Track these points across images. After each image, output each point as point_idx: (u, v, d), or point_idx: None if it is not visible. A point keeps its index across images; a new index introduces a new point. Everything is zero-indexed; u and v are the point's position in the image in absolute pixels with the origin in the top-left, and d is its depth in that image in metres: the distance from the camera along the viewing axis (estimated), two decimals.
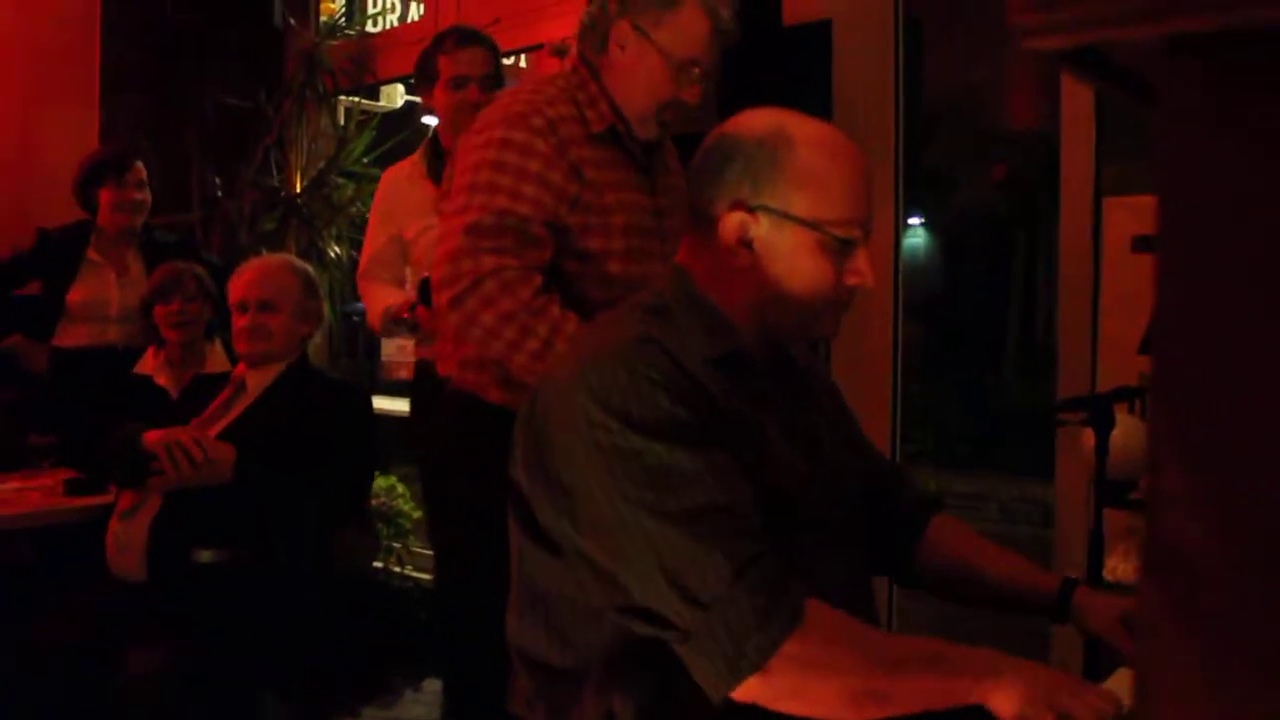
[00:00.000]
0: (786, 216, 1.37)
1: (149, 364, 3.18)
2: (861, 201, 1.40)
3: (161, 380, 3.12)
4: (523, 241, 1.98)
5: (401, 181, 3.21)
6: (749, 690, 1.22)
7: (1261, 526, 0.44)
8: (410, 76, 3.26)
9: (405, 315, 2.92)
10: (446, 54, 3.04)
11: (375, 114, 4.85)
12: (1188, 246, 0.49)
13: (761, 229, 1.38)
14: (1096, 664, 2.24)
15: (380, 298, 3.09)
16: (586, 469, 1.28)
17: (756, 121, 1.42)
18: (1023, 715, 1.19)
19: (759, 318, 1.43)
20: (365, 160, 4.60)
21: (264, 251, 4.24)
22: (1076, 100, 2.92)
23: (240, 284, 2.79)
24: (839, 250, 1.39)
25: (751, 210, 1.38)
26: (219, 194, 4.51)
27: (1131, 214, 2.81)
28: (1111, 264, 2.84)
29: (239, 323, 2.77)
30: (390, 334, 3.23)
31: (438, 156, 3.11)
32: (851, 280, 1.41)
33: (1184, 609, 0.45)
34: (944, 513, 1.68)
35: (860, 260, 1.40)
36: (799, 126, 1.40)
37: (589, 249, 2.05)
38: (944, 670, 1.25)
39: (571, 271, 2.05)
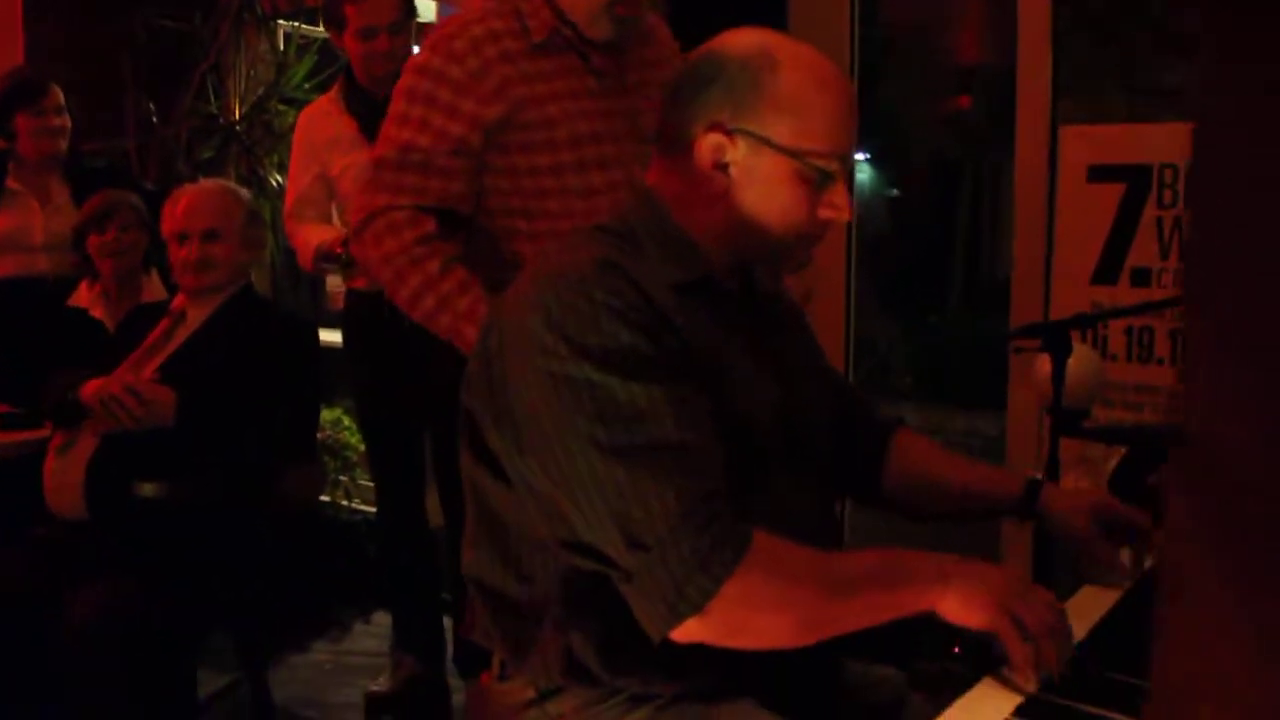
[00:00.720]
0: (766, 142, 1.33)
1: (83, 297, 3.08)
2: (845, 133, 1.36)
3: (97, 313, 3.03)
4: (426, 175, 1.99)
5: (319, 118, 3.14)
6: (689, 631, 1.20)
7: None
8: None
9: (338, 250, 2.90)
10: (352, 2, 2.96)
11: (316, 39, 4.71)
12: (1227, 139, 0.45)
13: (739, 153, 1.33)
14: (1049, 569, 2.27)
15: (310, 235, 3.05)
16: (537, 399, 1.24)
17: (742, 41, 1.36)
18: (976, 621, 1.19)
19: (729, 244, 1.39)
20: (307, 86, 4.47)
21: (201, 180, 4.12)
22: (1032, 28, 2.89)
23: (179, 212, 2.68)
24: (817, 182, 1.34)
25: (730, 133, 1.33)
26: (154, 121, 4.37)
27: (1088, 143, 2.80)
28: (1066, 194, 2.83)
29: (180, 254, 2.66)
30: (322, 271, 3.17)
31: (355, 92, 3.05)
32: (826, 213, 1.37)
33: (1222, 516, 0.42)
34: (905, 430, 1.68)
35: (837, 194, 1.36)
36: (786, 49, 1.35)
37: (538, 164, 2.02)
38: (891, 583, 1.24)
39: (528, 188, 2.03)
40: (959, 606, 1.20)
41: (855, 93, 1.41)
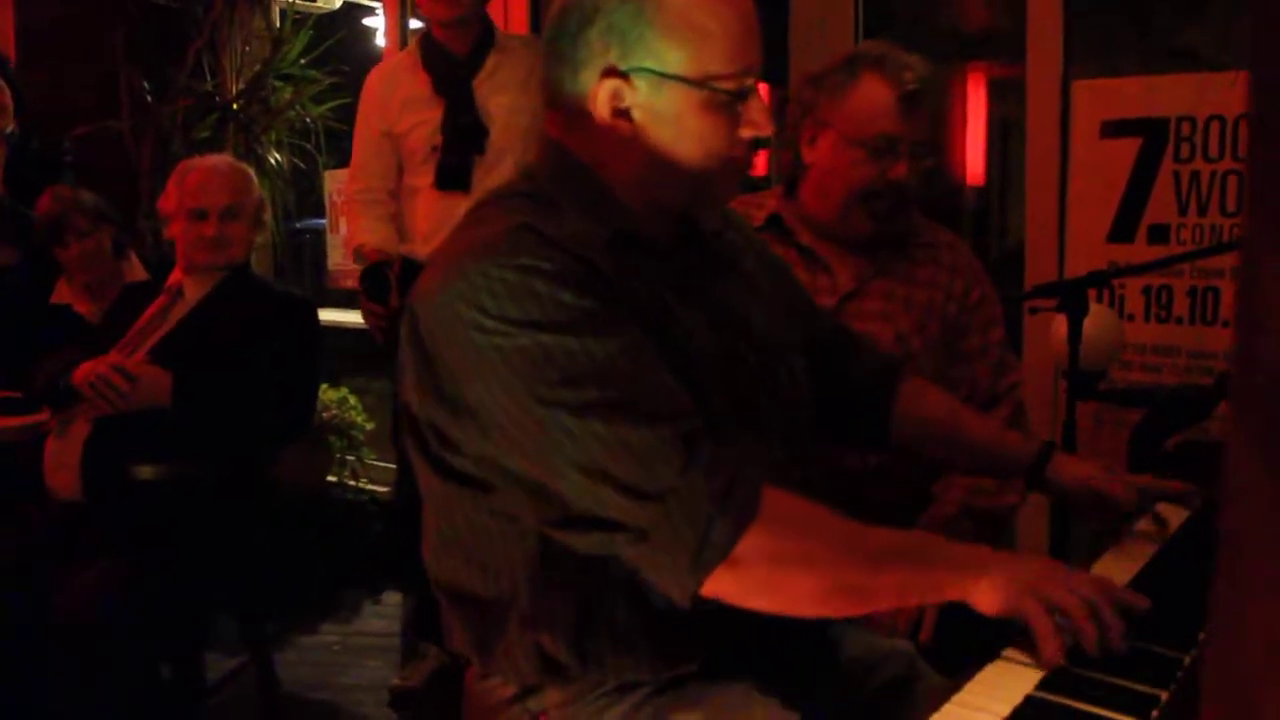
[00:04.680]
0: (666, 76, 1.20)
1: (65, 293, 3.02)
2: (750, 45, 1.24)
3: (81, 308, 2.96)
4: None
5: (393, 74, 3.12)
6: (718, 583, 1.11)
7: None
8: None
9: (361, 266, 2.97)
10: None
11: (311, 15, 4.64)
12: None
13: (639, 95, 1.21)
14: (1064, 549, 2.22)
15: (361, 231, 3.08)
16: (489, 380, 1.14)
17: None
18: (1008, 609, 1.12)
19: (649, 192, 1.27)
20: (303, 62, 4.41)
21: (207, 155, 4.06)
22: None
23: (194, 189, 2.62)
24: (729, 104, 1.23)
25: (624, 75, 1.21)
26: (149, 100, 4.30)
27: (1101, 97, 2.72)
28: (1080, 151, 2.76)
29: (196, 231, 2.60)
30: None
31: (433, 48, 3.05)
32: (746, 132, 1.25)
33: None
34: (915, 374, 1.61)
35: (753, 109, 1.25)
36: None
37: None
38: (924, 563, 1.16)
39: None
40: (989, 595, 1.12)
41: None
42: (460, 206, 2.94)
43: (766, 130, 1.26)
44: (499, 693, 1.31)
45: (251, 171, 2.82)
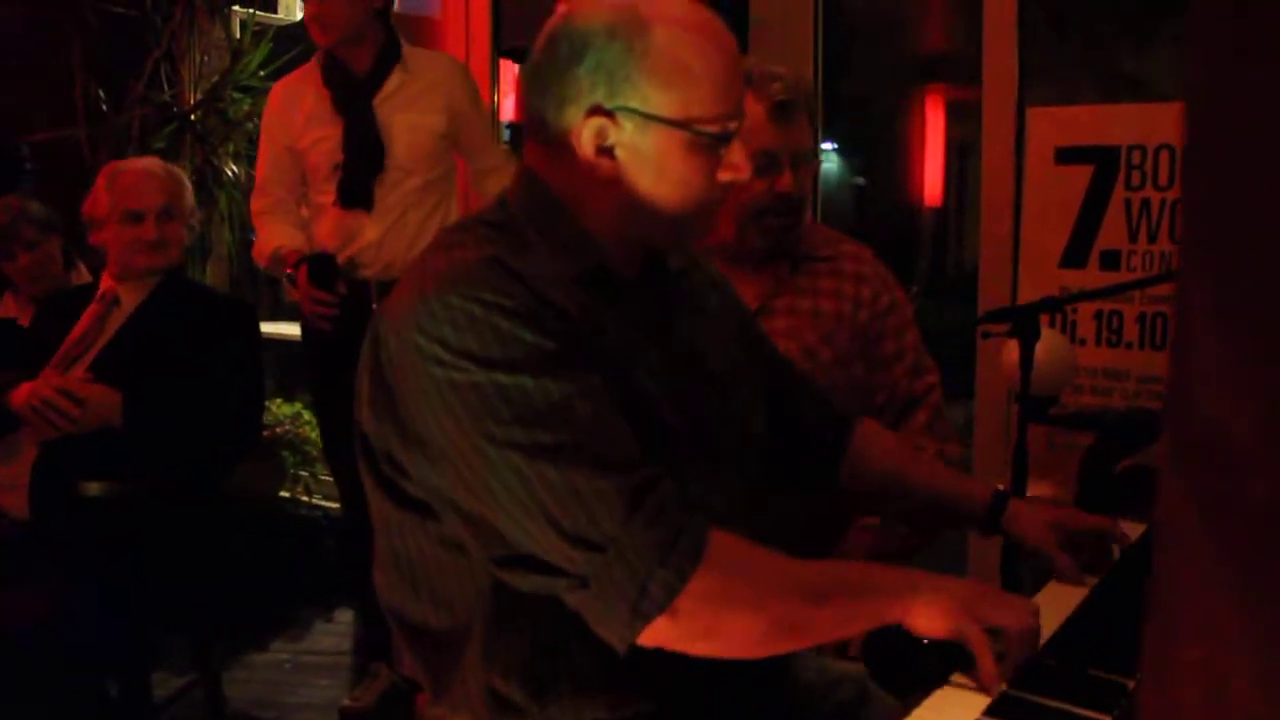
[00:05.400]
0: (651, 117, 1.21)
1: (11, 307, 2.97)
2: (734, 88, 1.25)
3: (26, 323, 2.91)
4: None
5: (295, 88, 3.07)
6: (657, 633, 1.11)
7: None
8: None
9: (289, 270, 2.87)
10: None
11: (271, 26, 4.61)
12: (1223, 99, 0.40)
13: (624, 134, 1.21)
14: (1015, 577, 2.23)
15: (273, 235, 3.00)
16: (442, 413, 1.14)
17: (604, 6, 1.23)
18: (948, 631, 1.14)
19: (625, 229, 1.27)
20: (262, 74, 4.37)
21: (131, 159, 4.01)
22: (998, 10, 2.85)
23: (128, 190, 2.56)
24: (712, 147, 1.24)
25: (610, 114, 1.21)
26: (105, 108, 4.26)
27: (1055, 124, 2.76)
28: (1034, 176, 2.80)
29: (133, 234, 2.53)
30: (273, 272, 3.09)
31: (333, 64, 2.99)
32: (725, 176, 1.26)
33: (1219, 503, 0.37)
34: (869, 421, 1.62)
35: (733, 153, 1.26)
36: (653, 7, 1.22)
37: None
38: (861, 594, 1.18)
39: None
40: (927, 618, 1.15)
41: (735, 42, 1.27)
42: (363, 223, 2.95)
43: (745, 174, 1.28)
44: None
45: (182, 173, 2.77)
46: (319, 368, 3.10)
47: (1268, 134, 0.39)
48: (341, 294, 2.83)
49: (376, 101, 2.95)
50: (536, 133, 1.27)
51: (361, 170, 2.94)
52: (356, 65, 2.96)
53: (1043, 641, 1.21)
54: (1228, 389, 0.36)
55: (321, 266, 2.86)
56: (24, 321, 2.90)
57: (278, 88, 3.14)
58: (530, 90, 1.26)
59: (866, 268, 1.98)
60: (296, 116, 3.01)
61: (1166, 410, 0.40)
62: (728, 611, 1.14)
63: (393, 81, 2.97)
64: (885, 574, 1.22)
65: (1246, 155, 0.40)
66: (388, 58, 2.99)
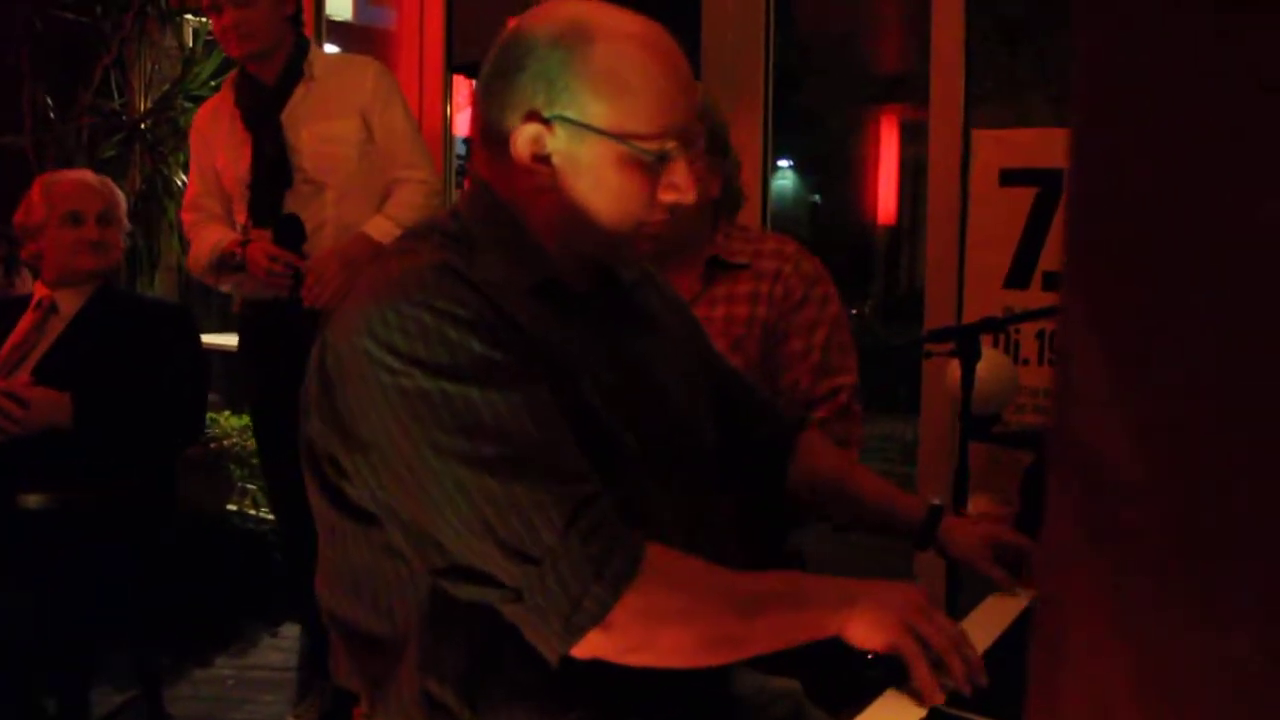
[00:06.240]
0: (586, 127, 1.21)
1: None
2: (676, 107, 1.24)
3: None
4: None
5: (213, 108, 3.04)
6: (591, 646, 1.12)
7: (1193, 429, 0.37)
8: None
9: (236, 251, 2.81)
10: None
11: None
12: (1107, 122, 0.42)
13: (559, 142, 1.22)
14: (958, 587, 2.26)
15: (210, 234, 2.93)
16: (387, 419, 1.14)
17: (552, 16, 1.23)
18: (884, 644, 1.16)
19: (564, 240, 1.28)
20: (214, 83, 4.33)
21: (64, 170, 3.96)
22: (946, 32, 2.90)
23: (66, 194, 2.59)
24: (651, 165, 1.23)
25: (547, 121, 1.21)
26: (52, 116, 4.21)
27: (1000, 146, 2.80)
28: (979, 197, 2.84)
29: (74, 235, 2.55)
30: (213, 275, 2.95)
31: (244, 81, 2.94)
32: (667, 196, 1.26)
33: (1097, 525, 0.38)
34: (814, 429, 1.64)
35: (677, 173, 1.25)
36: (601, 21, 1.22)
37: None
38: (797, 605, 1.20)
39: None
40: (864, 630, 1.17)
41: (686, 64, 1.27)
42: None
43: (689, 196, 1.27)
44: None
45: (115, 186, 2.77)
46: (255, 378, 3.06)
47: (1142, 154, 0.41)
48: (305, 257, 2.77)
49: (284, 115, 2.88)
50: (484, 138, 1.28)
51: (269, 187, 2.87)
52: (266, 78, 2.89)
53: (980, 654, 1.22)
54: (1100, 418, 0.37)
55: (289, 227, 2.81)
56: None
57: (201, 110, 3.11)
58: (481, 95, 1.27)
59: (787, 265, 1.95)
60: (216, 137, 2.97)
61: (1049, 431, 0.41)
62: (661, 626, 1.15)
63: (298, 93, 2.90)
64: (822, 586, 1.23)
65: (1124, 176, 0.42)
66: (294, 69, 2.91)
